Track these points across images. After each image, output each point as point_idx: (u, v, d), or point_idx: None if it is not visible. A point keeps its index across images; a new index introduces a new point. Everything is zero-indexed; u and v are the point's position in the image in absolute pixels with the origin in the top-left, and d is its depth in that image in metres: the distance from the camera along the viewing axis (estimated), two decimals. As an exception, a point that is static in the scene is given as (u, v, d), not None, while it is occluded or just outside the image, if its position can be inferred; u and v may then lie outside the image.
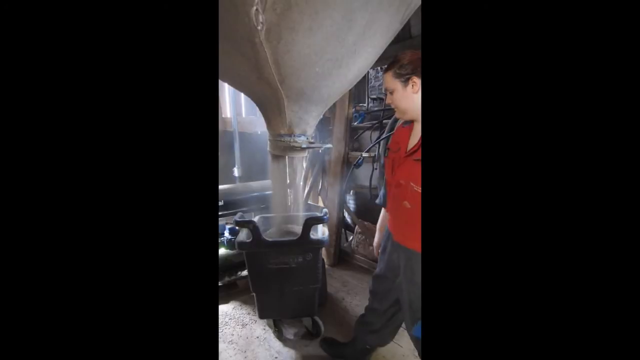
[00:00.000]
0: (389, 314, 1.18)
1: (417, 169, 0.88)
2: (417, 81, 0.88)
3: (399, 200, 0.97)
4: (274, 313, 1.50)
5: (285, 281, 1.37)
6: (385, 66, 0.94)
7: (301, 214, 1.44)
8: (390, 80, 0.92)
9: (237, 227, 1.38)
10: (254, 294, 1.41)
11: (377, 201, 1.22)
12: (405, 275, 0.99)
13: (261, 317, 1.49)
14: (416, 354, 1.32)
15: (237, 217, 1.34)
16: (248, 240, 1.29)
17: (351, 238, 2.47)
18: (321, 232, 1.39)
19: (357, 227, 2.36)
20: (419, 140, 0.91)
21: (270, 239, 1.31)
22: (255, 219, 1.46)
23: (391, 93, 0.94)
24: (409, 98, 0.90)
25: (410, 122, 0.99)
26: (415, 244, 0.93)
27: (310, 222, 1.28)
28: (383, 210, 1.22)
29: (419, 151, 0.89)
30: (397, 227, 1.03)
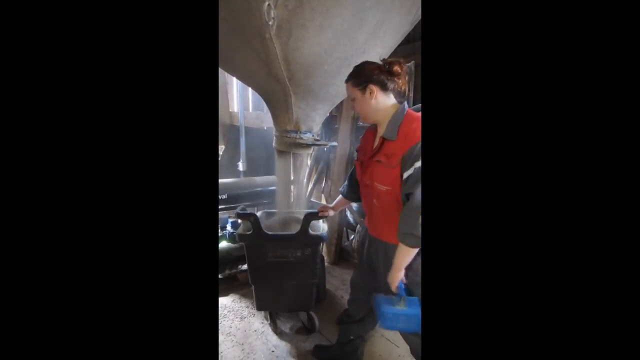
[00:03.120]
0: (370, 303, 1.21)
1: (379, 170, 0.97)
2: (373, 88, 0.96)
3: (369, 199, 1.05)
4: (271, 306, 1.52)
5: (283, 275, 1.39)
6: (346, 78, 1.02)
7: (303, 211, 1.46)
8: (351, 90, 1.00)
9: (238, 220, 1.41)
10: (253, 286, 1.43)
11: (340, 189, 1.29)
12: (384, 265, 1.05)
13: (258, 308, 1.51)
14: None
15: (238, 210, 1.37)
16: (248, 232, 1.31)
17: (352, 237, 2.48)
18: (321, 228, 1.41)
19: (358, 226, 2.37)
20: (379, 143, 0.98)
21: (270, 232, 1.33)
22: (258, 214, 1.48)
23: (353, 100, 1.02)
24: (367, 104, 0.98)
25: (376, 126, 1.06)
26: (389, 237, 1.00)
27: (310, 217, 1.30)
28: (340, 196, 1.31)
29: (379, 153, 0.97)
30: (372, 223, 1.11)
